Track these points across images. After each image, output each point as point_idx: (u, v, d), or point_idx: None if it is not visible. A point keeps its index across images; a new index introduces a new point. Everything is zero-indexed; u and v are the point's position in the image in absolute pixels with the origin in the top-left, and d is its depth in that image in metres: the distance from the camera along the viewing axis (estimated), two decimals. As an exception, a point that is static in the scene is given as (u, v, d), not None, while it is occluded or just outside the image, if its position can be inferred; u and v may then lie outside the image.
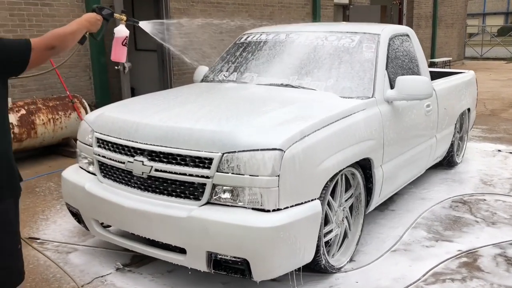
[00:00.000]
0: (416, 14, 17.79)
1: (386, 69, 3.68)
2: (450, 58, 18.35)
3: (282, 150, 2.54)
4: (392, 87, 3.66)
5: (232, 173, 2.57)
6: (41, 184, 5.13)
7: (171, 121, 2.86)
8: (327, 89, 3.50)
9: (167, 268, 3.20)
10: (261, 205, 2.55)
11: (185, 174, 2.69)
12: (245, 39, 4.46)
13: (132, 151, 2.91)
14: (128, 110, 3.26)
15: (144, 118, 2.98)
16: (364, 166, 3.30)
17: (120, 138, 2.97)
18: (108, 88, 7.28)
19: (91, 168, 3.30)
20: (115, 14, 2.59)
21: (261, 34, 4.39)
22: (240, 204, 2.60)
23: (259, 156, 2.52)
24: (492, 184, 4.86)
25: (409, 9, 17.45)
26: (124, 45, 2.78)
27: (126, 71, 6.97)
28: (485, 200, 4.43)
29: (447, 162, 5.33)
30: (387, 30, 3.98)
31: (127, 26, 2.86)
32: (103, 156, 3.10)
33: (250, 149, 2.55)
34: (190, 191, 2.72)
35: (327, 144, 2.81)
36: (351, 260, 3.28)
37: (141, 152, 2.86)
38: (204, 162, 2.65)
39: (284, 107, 3.03)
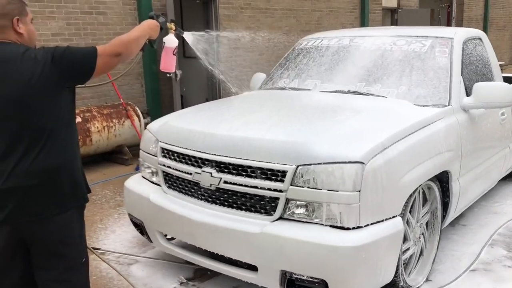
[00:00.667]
0: (466, 17, 17.15)
1: (461, 75, 3.45)
2: (503, 62, 17.58)
3: (363, 163, 2.36)
4: (467, 94, 3.42)
5: (308, 187, 2.42)
6: (97, 192, 5.14)
7: (239, 130, 2.74)
8: (398, 96, 3.30)
9: (232, 284, 3.07)
10: (340, 223, 2.38)
11: (256, 187, 2.56)
12: (305, 45, 4.31)
13: (199, 162, 2.81)
14: (192, 120, 3.16)
15: (211, 128, 2.87)
16: (441, 179, 3.08)
17: (186, 149, 2.88)
18: (159, 95, 7.30)
19: (154, 179, 3.23)
20: (167, 23, 2.56)
21: (322, 40, 4.22)
22: (316, 220, 2.44)
23: (338, 169, 2.36)
24: None
25: (459, 12, 16.82)
26: (174, 55, 2.71)
27: (178, 78, 6.96)
28: None
29: (518, 174, 4.98)
30: (460, 33, 3.74)
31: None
32: (168, 167, 3.01)
33: (328, 161, 2.39)
34: (261, 205, 2.59)
35: (408, 156, 2.62)
36: (427, 279, 3.06)
37: (209, 163, 2.75)
38: (276, 175, 2.51)
39: (358, 116, 2.86)
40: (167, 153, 3.05)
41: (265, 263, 2.51)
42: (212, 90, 8.33)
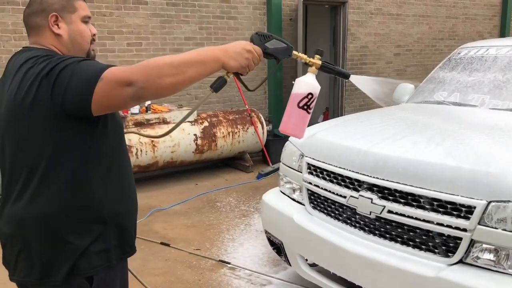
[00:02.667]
0: None
1: None
2: None
3: None
4: None
5: (503, 230, 1.95)
6: (221, 199, 5.03)
7: (410, 152, 2.34)
8: None
9: (380, 326, 2.67)
10: (546, 278, 1.88)
11: (430, 222, 2.14)
12: (465, 54, 3.77)
13: (356, 185, 2.46)
14: (345, 134, 2.82)
15: (373, 146, 2.50)
16: None
17: (340, 167, 2.54)
18: (281, 103, 7.10)
19: (295, 196, 2.94)
20: (294, 52, 1.55)
21: (487, 49, 3.65)
22: (510, 271, 1.96)
23: (549, 211, 1.86)
24: None
25: None
26: (303, 108, 1.54)
27: (303, 85, 6.69)
28: None
29: None
30: None
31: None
32: (316, 185, 2.70)
33: (534, 200, 1.90)
34: (435, 243, 2.16)
35: None
36: None
37: (369, 187, 2.38)
38: (460, 210, 2.07)
39: None
40: (314, 169, 2.75)
41: (438, 314, 2.08)
42: (333, 99, 7.95)
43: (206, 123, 5.69)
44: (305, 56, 1.55)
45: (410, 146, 2.40)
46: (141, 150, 5.14)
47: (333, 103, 7.99)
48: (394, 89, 2.81)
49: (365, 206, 2.37)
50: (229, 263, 3.49)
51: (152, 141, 5.24)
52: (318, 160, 2.72)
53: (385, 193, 2.31)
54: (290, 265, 2.93)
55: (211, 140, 5.69)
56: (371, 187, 2.37)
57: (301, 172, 2.84)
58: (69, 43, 1.49)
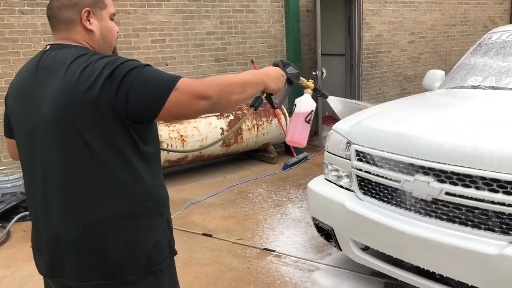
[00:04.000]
0: None
1: None
2: None
3: None
4: None
5: None
6: (251, 190, 5.12)
7: (466, 135, 2.41)
8: None
9: (434, 304, 2.76)
10: None
11: (490, 202, 2.22)
12: (497, 38, 3.82)
13: (410, 169, 2.53)
14: (393, 121, 2.90)
15: (425, 131, 2.58)
16: None
17: (394, 153, 2.62)
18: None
19: (343, 183, 3.02)
20: (301, 78, 1.87)
21: (519, 32, 3.71)
22: None
23: None
24: None
25: None
26: (307, 123, 1.95)
27: (323, 76, 6.77)
28: None
29: None
30: None
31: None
32: (367, 172, 2.78)
33: None
34: (494, 222, 2.24)
35: None
36: None
37: (425, 171, 2.46)
38: (520, 189, 2.15)
39: None
40: (364, 156, 2.83)
41: (502, 290, 2.17)
42: (350, 88, 8.01)
43: (231, 117, 5.77)
44: (305, 80, 1.89)
45: (462, 130, 2.48)
46: (171, 146, 5.22)
47: (349, 92, 8.05)
48: (357, 110, 2.84)
49: (421, 189, 2.45)
50: (274, 251, 3.58)
51: (181, 136, 5.32)
52: (369, 148, 2.79)
53: (441, 176, 2.39)
54: (341, 250, 3.02)
55: (237, 133, 5.77)
56: (427, 171, 2.45)
57: (350, 160, 2.92)
58: (100, 39, 1.49)
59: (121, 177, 1.40)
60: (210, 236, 3.90)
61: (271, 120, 6.10)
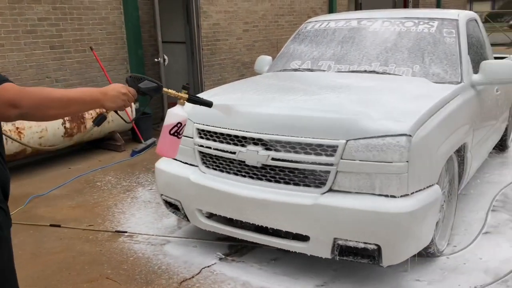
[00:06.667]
0: (421, 1, 17.84)
1: (468, 54, 3.71)
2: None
3: (410, 136, 2.55)
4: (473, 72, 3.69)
5: (360, 160, 2.58)
6: (99, 179, 5.10)
7: (286, 109, 2.86)
8: (414, 75, 3.52)
9: (270, 257, 3.22)
10: (389, 192, 2.57)
11: (306, 162, 2.70)
12: (312, 27, 4.45)
13: (243, 141, 2.91)
14: (228, 101, 3.24)
15: (255, 107, 2.97)
16: (458, 150, 3.33)
17: (228, 129, 2.97)
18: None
19: (186, 159, 3.29)
20: (164, 89, 1.85)
21: (328, 22, 4.38)
22: (365, 191, 2.62)
23: (388, 142, 2.54)
24: (551, 166, 4.93)
25: (415, -4, 17.48)
26: (174, 135, 1.95)
27: (166, 63, 6.93)
28: (550, 182, 4.50)
29: (500, 146, 5.38)
30: (463, 15, 4.01)
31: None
32: (208, 147, 3.09)
33: (377, 135, 2.56)
34: (310, 179, 2.73)
35: (441, 129, 2.84)
36: (448, 243, 3.32)
37: (254, 141, 2.86)
38: (326, 150, 2.66)
39: (392, 94, 3.05)
40: (204, 134, 3.13)
41: (318, 233, 2.67)
42: (193, 75, 8.31)
43: (72, 106, 5.60)
44: (174, 92, 1.87)
45: (283, 105, 2.93)
46: (6, 139, 4.90)
47: (192, 79, 8.36)
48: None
49: (253, 157, 2.84)
50: (125, 232, 3.71)
51: (17, 127, 5.03)
52: (208, 125, 3.10)
53: (268, 145, 2.81)
54: (189, 221, 3.30)
55: (79, 122, 5.64)
56: (256, 141, 2.85)
57: (192, 138, 3.19)
58: None
59: None
60: (59, 226, 3.85)
61: (115, 108, 6.07)
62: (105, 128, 6.00)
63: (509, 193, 4.26)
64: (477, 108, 3.60)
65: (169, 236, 3.61)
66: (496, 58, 4.83)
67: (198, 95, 3.71)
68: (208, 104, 2.08)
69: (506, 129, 5.25)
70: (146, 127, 6.62)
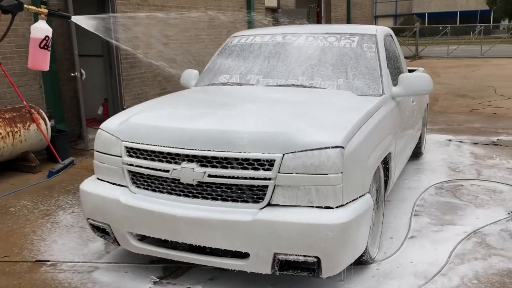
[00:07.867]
0: (333, 17, 18.77)
1: (387, 67, 3.91)
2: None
3: (343, 147, 2.62)
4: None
5: (296, 173, 2.60)
6: (13, 204, 4.70)
7: (220, 125, 2.81)
8: (339, 88, 3.64)
9: (208, 276, 3.13)
10: (326, 203, 2.60)
11: (244, 178, 2.67)
12: (238, 42, 4.46)
13: (176, 158, 2.81)
14: (159, 116, 3.13)
15: (187, 123, 2.89)
16: (383, 160, 3.49)
17: (160, 146, 2.85)
18: (60, 97, 6.83)
19: (115, 179, 3.12)
20: (25, 6, 1.91)
21: (254, 37, 4.42)
22: (303, 203, 2.63)
23: (323, 154, 2.58)
24: (461, 171, 5.33)
25: (327, 12, 18.34)
26: (44, 48, 2.09)
27: (83, 78, 6.60)
28: (462, 185, 4.85)
29: (415, 153, 5.73)
30: (380, 30, 4.23)
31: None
32: (138, 166, 2.95)
33: (311, 148, 2.60)
34: (248, 194, 2.70)
35: (370, 140, 2.95)
36: (378, 250, 3.44)
37: (189, 158, 2.77)
38: (264, 164, 2.64)
39: (322, 107, 3.12)
40: (134, 152, 2.98)
41: (258, 249, 2.63)
42: (112, 90, 7.99)
43: (-21, 125, 5.13)
44: (34, 8, 1.95)
45: (218, 120, 2.88)
46: None
47: (111, 94, 8.03)
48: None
49: (187, 175, 2.75)
50: (47, 260, 3.43)
51: None
52: (137, 143, 2.96)
53: (204, 161, 2.74)
54: (119, 245, 3.12)
55: (-12, 143, 5.17)
56: (191, 158, 2.77)
57: (121, 156, 3.03)
58: None
59: None
60: (-32, 259, 3.47)
61: (29, 126, 5.66)
62: (17, 148, 5.56)
63: (427, 198, 4.53)
64: (398, 118, 3.79)
65: (97, 262, 3.39)
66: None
67: (122, 111, 3.59)
68: (67, 16, 2.23)
69: (420, 137, 5.60)
70: (63, 145, 6.22)
